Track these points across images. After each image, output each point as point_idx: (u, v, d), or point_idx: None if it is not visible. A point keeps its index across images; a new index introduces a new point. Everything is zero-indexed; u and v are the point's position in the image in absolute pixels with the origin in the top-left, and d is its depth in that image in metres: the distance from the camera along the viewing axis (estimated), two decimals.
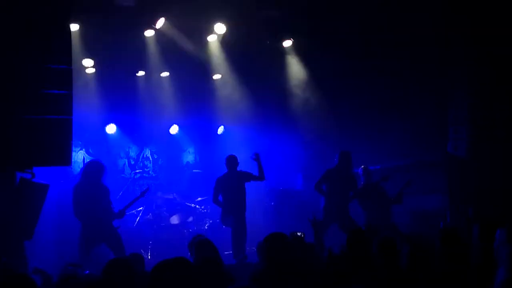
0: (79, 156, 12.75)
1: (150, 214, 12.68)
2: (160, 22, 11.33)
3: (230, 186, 10.51)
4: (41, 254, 9.15)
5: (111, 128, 13.15)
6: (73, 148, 10.03)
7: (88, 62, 11.83)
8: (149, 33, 11.54)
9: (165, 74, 13.05)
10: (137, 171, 13.92)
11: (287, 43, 12.75)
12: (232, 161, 10.63)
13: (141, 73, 12.83)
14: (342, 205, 10.45)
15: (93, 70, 12.11)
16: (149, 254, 11.92)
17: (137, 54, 11.86)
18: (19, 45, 7.63)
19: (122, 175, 13.68)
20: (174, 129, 13.96)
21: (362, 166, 10.99)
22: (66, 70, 7.87)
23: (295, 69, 13.25)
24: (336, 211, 10.33)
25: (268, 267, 5.17)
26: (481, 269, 4.18)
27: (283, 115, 13.73)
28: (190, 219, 12.91)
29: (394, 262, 5.37)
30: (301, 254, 5.92)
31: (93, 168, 9.47)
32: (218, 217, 11.02)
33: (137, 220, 12.42)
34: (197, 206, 13.07)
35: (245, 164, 11.22)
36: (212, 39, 12.26)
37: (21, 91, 7.64)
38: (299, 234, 7.49)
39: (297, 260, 5.41)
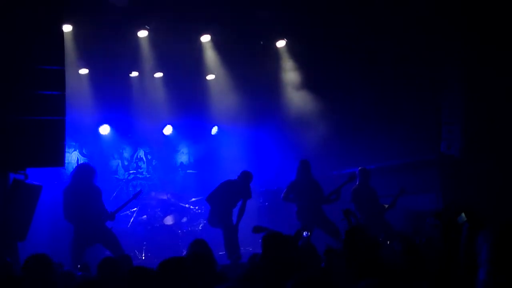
0: (73, 157, 12.73)
1: (145, 215, 12.67)
2: (143, 33, 11.46)
3: (230, 193, 10.51)
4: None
5: (104, 129, 13.13)
6: (67, 149, 10.02)
7: (81, 63, 11.82)
8: (142, 33, 11.53)
9: (158, 74, 13.02)
10: (131, 172, 13.90)
11: (281, 43, 12.75)
12: (247, 176, 10.59)
13: (134, 73, 12.80)
14: (315, 209, 10.52)
15: (86, 71, 12.09)
16: (143, 254, 11.91)
17: (130, 54, 11.83)
18: (12, 46, 7.62)
19: (116, 176, 13.66)
20: (168, 130, 13.95)
21: (360, 167, 11.09)
22: (59, 71, 7.86)
23: (289, 69, 13.22)
24: (310, 217, 10.37)
25: (262, 265, 5.19)
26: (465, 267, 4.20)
27: (277, 116, 13.71)
28: (184, 219, 12.90)
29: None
30: (295, 253, 5.96)
31: (82, 172, 9.45)
32: None
33: (131, 220, 12.40)
34: (191, 207, 13.06)
35: (239, 164, 11.24)
36: (205, 39, 12.26)
37: (14, 92, 7.63)
38: (305, 233, 7.52)
39: (291, 259, 5.44)
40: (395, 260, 5.73)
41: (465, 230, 4.29)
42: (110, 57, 11.67)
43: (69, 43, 10.53)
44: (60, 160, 7.96)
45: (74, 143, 12.85)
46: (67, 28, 10.30)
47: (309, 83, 13.08)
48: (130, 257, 6.92)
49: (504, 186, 9.13)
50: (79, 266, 7.75)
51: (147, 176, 14.06)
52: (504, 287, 2.80)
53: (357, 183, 10.93)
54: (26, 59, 7.66)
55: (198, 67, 12.83)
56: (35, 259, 5.23)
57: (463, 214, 4.46)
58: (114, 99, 12.66)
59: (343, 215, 7.53)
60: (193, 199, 13.19)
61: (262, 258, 5.53)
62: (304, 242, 7.30)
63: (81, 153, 12.99)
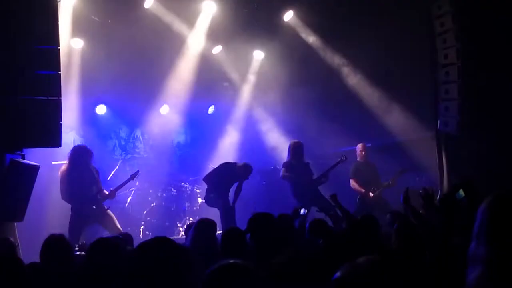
0: (69, 138, 12.67)
1: (142, 195, 12.70)
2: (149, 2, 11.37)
3: (228, 175, 10.53)
4: (32, 235, 9.12)
5: (101, 109, 13.09)
6: (63, 129, 9.96)
7: (77, 42, 11.75)
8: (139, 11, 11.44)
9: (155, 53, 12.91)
10: (128, 151, 13.87)
11: (288, 15, 12.62)
12: (246, 169, 10.58)
13: (132, 52, 12.66)
14: (312, 188, 10.54)
15: (82, 49, 11.98)
16: (140, 234, 11.94)
17: (127, 33, 11.70)
18: (5, 26, 7.56)
19: (113, 156, 13.62)
20: (164, 109, 13.90)
21: (360, 144, 11.16)
22: (54, 50, 7.81)
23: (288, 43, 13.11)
24: (308, 195, 10.40)
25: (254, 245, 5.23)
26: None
27: (273, 94, 13.68)
28: (184, 199, 12.95)
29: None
30: (288, 233, 6.01)
31: (79, 153, 9.47)
32: None
33: (128, 200, 12.42)
34: (188, 186, 13.07)
35: (236, 143, 11.23)
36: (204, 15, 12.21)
37: (9, 73, 7.59)
38: (303, 210, 7.54)
39: (282, 239, 5.48)
40: (391, 238, 5.76)
41: (463, 205, 4.28)
42: (107, 36, 11.59)
43: (65, 21, 10.48)
44: (56, 140, 7.94)
45: (70, 124, 12.79)
46: (63, 5, 10.22)
47: (305, 56, 13.00)
48: (131, 235, 6.97)
49: (502, 162, 9.13)
50: (77, 246, 7.76)
51: (144, 156, 14.02)
52: (494, 260, 2.82)
53: (357, 160, 11.08)
54: (20, 39, 7.61)
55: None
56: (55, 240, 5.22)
57: (461, 190, 4.44)
58: (111, 78, 12.54)
59: (331, 200, 7.52)
60: (191, 179, 13.22)
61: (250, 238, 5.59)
62: (302, 220, 7.34)
63: (77, 133, 12.94)
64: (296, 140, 10.96)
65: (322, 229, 6.20)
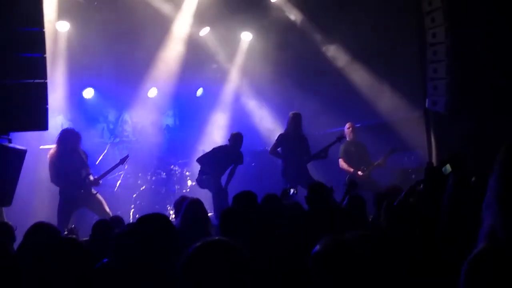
0: (58, 122, 12.57)
1: (132, 178, 12.65)
2: None
3: (222, 158, 10.51)
4: (20, 219, 9.09)
5: (88, 93, 12.98)
6: (51, 113, 9.89)
7: (63, 25, 11.62)
8: None
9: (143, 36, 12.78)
10: (117, 135, 13.78)
11: None
12: (236, 139, 10.56)
13: (119, 34, 12.53)
14: (301, 166, 10.49)
15: (68, 32, 11.85)
16: (130, 218, 11.91)
17: (114, 15, 11.58)
18: None
19: (101, 139, 13.53)
20: (152, 92, 13.81)
21: (348, 123, 11.14)
22: (39, 32, 7.71)
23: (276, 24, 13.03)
24: (296, 173, 10.36)
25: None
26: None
27: (262, 75, 13.62)
28: (174, 182, 12.92)
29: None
30: (274, 211, 6.02)
31: (67, 137, 9.42)
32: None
33: (117, 184, 12.37)
34: (177, 169, 13.04)
35: (225, 125, 11.16)
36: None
37: None
38: (291, 191, 7.56)
39: (266, 217, 5.50)
40: (379, 218, 5.78)
41: (451, 181, 4.24)
42: (93, 18, 11.47)
43: (50, 3, 10.37)
44: (43, 123, 7.86)
45: (58, 108, 12.67)
46: None
47: (295, 36, 12.94)
48: (121, 218, 6.96)
49: (489, 141, 9.14)
50: (66, 231, 7.74)
51: (133, 139, 13.92)
52: None
53: (346, 140, 11.07)
54: (3, 21, 7.49)
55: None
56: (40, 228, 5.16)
57: (447, 165, 4.40)
58: (98, 61, 12.43)
59: (282, 193, 7.50)
60: (180, 161, 13.19)
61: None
62: (291, 200, 7.34)
63: (65, 117, 12.83)
64: (295, 111, 10.88)
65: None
